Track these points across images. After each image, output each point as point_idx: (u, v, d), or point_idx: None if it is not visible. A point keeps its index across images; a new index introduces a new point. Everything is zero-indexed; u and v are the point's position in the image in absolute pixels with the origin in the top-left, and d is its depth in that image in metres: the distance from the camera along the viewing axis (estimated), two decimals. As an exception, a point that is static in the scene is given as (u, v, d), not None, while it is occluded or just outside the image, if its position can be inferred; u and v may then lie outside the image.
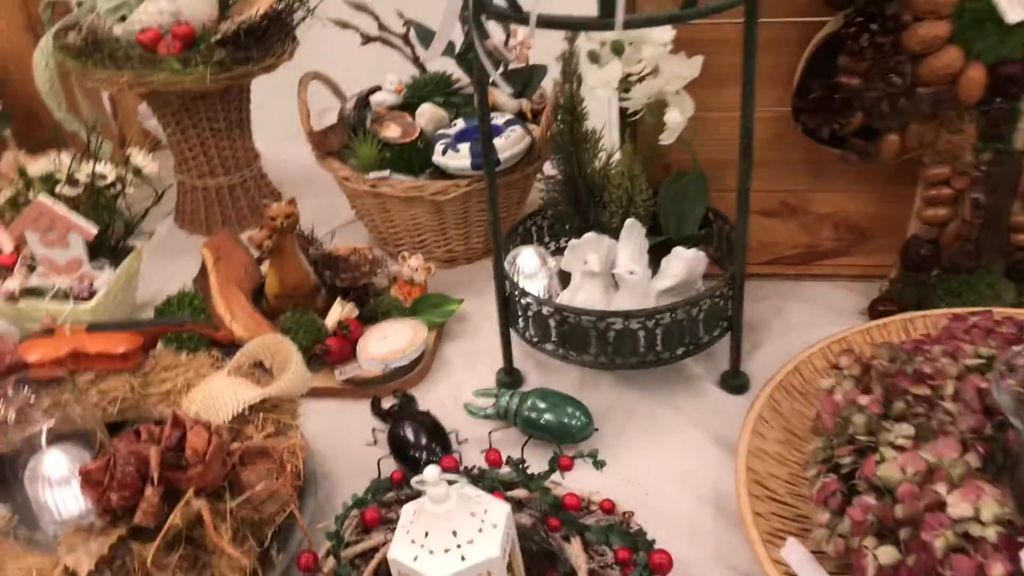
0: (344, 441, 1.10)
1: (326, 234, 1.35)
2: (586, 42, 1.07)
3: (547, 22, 0.83)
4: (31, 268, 1.26)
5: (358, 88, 1.42)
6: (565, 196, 1.18)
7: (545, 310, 1.05)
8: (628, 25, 0.75)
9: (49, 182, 1.26)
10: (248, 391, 0.93)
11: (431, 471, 0.73)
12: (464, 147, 1.27)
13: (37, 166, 1.27)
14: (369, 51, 1.45)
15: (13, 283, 1.24)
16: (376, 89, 1.41)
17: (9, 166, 1.40)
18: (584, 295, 1.08)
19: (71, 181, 1.24)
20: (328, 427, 1.11)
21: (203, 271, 1.27)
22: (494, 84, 1.45)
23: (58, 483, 0.91)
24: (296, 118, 1.69)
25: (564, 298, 1.10)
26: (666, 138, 1.06)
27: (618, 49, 1.02)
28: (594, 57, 1.04)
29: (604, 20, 0.78)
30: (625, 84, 1.03)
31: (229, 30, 1.31)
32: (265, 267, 1.29)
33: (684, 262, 1.05)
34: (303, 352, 1.16)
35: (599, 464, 0.90)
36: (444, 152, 1.28)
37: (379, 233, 1.40)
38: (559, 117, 1.14)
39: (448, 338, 1.26)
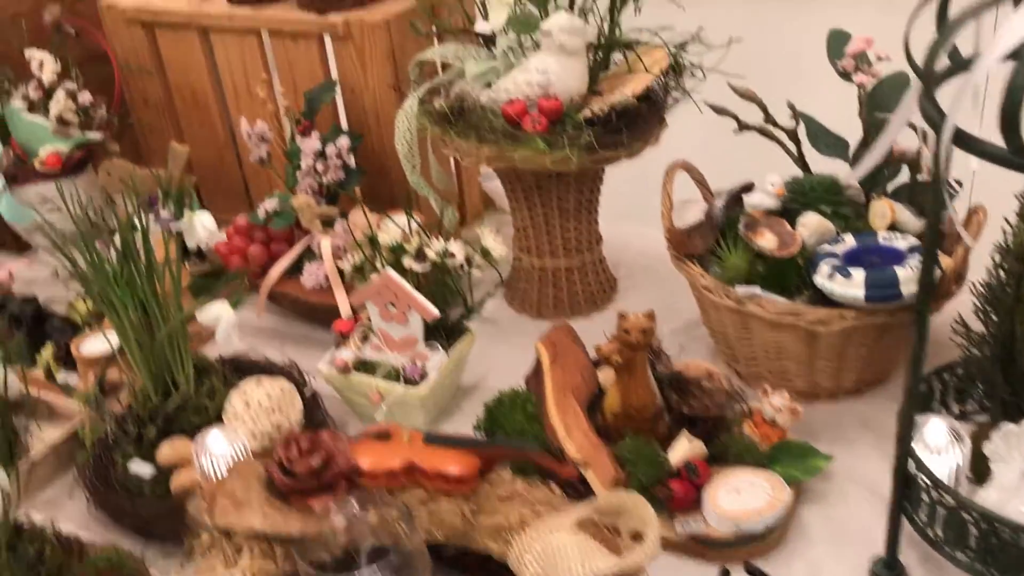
0: (680, 611, 0.94)
1: (676, 348, 1.20)
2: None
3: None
4: (364, 338, 1.21)
5: (723, 182, 1.26)
6: (993, 359, 0.95)
7: (965, 512, 0.83)
8: None
9: (397, 252, 1.20)
10: (598, 559, 0.78)
11: None
12: (858, 273, 1.07)
13: (387, 233, 1.22)
14: (742, 142, 1.29)
15: (347, 353, 1.19)
16: (748, 187, 1.24)
17: (359, 227, 1.37)
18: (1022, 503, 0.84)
19: (419, 256, 1.17)
20: (662, 588, 0.95)
21: (537, 370, 1.16)
22: (887, 194, 1.24)
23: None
24: (640, 199, 1.57)
25: (990, 499, 0.87)
26: None
27: (1119, 198, 0.79)
28: (1081, 204, 0.81)
29: None
30: (1125, 246, 0.79)
31: (600, 110, 1.20)
32: (602, 374, 1.16)
33: None
34: (642, 491, 1.01)
35: None
36: (831, 275, 1.09)
37: (729, 349, 1.23)
38: (1003, 265, 0.91)
39: (807, 499, 1.06)
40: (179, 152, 1.56)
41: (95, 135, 1.56)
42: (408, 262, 1.18)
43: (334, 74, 1.51)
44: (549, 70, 1.25)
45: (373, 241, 1.23)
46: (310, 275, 1.37)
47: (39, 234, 1.57)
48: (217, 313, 1.11)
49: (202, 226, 1.18)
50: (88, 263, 1.07)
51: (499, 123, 1.24)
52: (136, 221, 1.11)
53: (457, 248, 1.18)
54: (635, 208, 1.59)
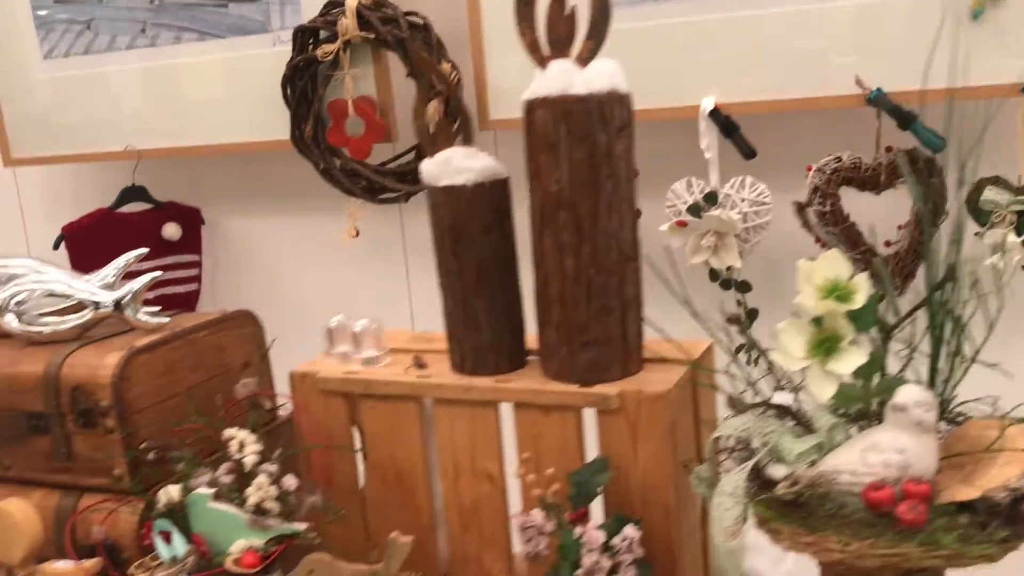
0: None
1: None
2: None
3: None
4: None
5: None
6: None
7: None
8: None
9: None
10: None
11: None
12: None
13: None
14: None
15: None
16: None
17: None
18: None
19: None
20: None
21: None
22: None
23: None
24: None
25: None
26: None
27: None
28: None
29: None
30: None
31: (1003, 497, 1.03)
32: None
33: None
34: None
35: None
36: None
37: None
38: None
39: None
40: (400, 545, 1.32)
41: (300, 526, 1.32)
42: None
43: (590, 450, 1.33)
44: (907, 448, 1.10)
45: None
46: None
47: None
48: None
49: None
50: None
51: (863, 512, 1.06)
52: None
53: None
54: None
